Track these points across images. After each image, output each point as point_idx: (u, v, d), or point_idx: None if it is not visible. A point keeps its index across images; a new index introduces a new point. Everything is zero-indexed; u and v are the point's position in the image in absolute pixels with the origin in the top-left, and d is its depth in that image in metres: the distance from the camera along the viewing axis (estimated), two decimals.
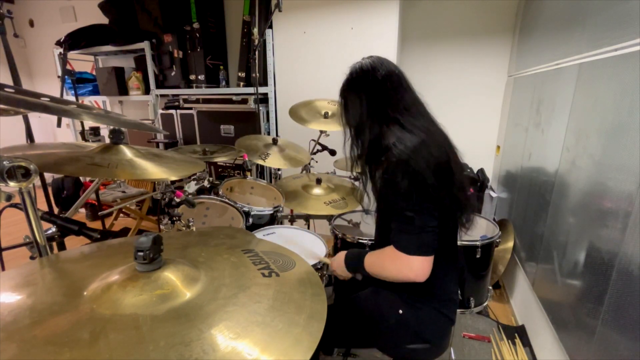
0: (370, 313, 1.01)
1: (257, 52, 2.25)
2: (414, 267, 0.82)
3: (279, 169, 2.53)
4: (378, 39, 2.29)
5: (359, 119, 0.95)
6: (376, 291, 1.04)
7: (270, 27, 2.57)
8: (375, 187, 0.98)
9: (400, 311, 0.96)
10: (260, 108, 2.63)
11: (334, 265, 1.09)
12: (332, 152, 2.07)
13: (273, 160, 1.75)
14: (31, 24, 4.40)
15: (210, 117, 2.96)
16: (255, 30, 2.23)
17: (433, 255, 0.84)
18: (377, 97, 0.92)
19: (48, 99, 0.83)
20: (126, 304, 0.52)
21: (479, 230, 1.70)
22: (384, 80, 0.92)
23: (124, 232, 3.01)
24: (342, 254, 1.05)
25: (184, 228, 1.15)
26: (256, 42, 2.23)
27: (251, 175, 1.84)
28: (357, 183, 2.01)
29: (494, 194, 2.51)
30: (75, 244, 2.47)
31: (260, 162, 1.71)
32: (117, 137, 1.01)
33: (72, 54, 3.47)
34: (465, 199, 0.92)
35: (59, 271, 0.65)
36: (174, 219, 1.17)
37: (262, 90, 2.67)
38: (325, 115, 1.91)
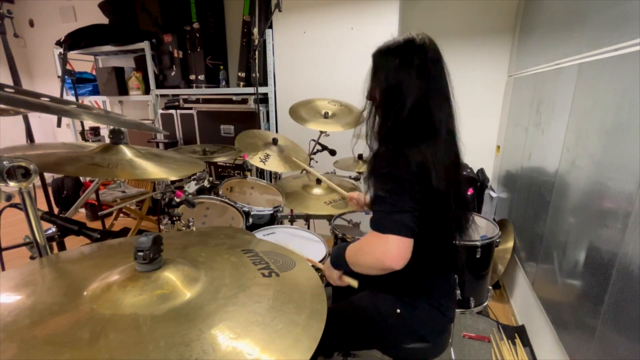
0: (367, 314, 1.01)
1: (257, 52, 2.25)
2: (389, 248, 0.76)
3: None
4: (378, 39, 2.29)
5: (393, 104, 0.86)
6: (373, 292, 1.04)
7: (270, 27, 2.57)
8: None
9: (398, 310, 0.96)
10: (260, 108, 2.63)
11: (325, 270, 1.05)
12: (332, 152, 2.07)
13: (272, 164, 1.72)
14: (31, 24, 4.40)
15: (210, 117, 2.96)
16: (255, 30, 2.23)
17: (411, 238, 0.78)
18: (418, 97, 0.85)
19: (48, 99, 0.83)
20: (126, 304, 0.52)
21: (479, 230, 1.70)
22: (434, 83, 0.86)
23: (124, 232, 3.01)
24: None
25: (184, 228, 1.15)
26: (256, 42, 2.23)
27: (251, 175, 1.84)
28: (357, 183, 2.01)
29: (494, 194, 2.51)
30: (75, 244, 2.47)
31: (260, 165, 1.67)
32: (117, 137, 1.01)
33: (72, 54, 3.47)
34: (462, 227, 0.94)
35: (59, 271, 0.65)
36: (174, 219, 1.17)
37: (262, 90, 2.67)
38: (325, 115, 1.91)
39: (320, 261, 1.26)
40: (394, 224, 0.77)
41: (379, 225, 0.79)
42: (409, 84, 0.84)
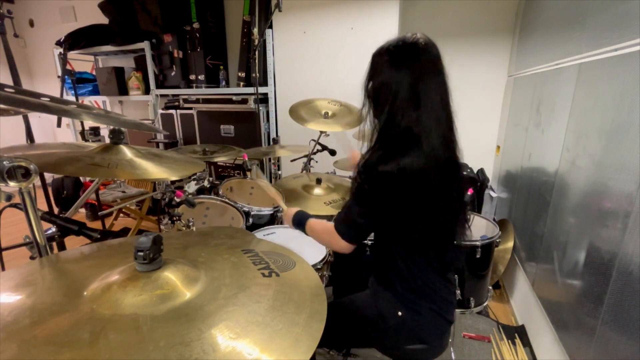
0: (369, 314, 1.01)
1: (257, 52, 2.25)
2: (342, 246, 0.95)
3: (279, 169, 2.54)
4: (378, 39, 2.29)
5: (385, 104, 0.87)
6: (375, 293, 1.04)
7: (270, 27, 2.57)
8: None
9: (400, 313, 0.96)
10: (260, 108, 2.63)
11: (287, 214, 1.17)
12: (332, 152, 2.07)
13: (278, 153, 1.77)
14: (31, 24, 4.40)
15: (210, 117, 2.96)
16: (255, 30, 2.23)
17: (356, 245, 0.95)
18: (411, 96, 0.84)
19: (48, 99, 0.83)
20: (126, 304, 0.52)
21: (479, 230, 1.70)
22: (429, 82, 0.85)
23: (124, 232, 3.01)
24: (294, 209, 1.15)
25: (184, 228, 1.15)
26: (256, 42, 2.23)
27: (251, 176, 1.84)
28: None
29: (494, 194, 2.51)
30: (75, 244, 2.47)
31: (266, 156, 1.71)
32: (117, 137, 1.01)
33: (72, 54, 3.47)
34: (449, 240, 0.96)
35: (59, 271, 0.65)
36: (174, 219, 1.17)
37: (262, 90, 2.67)
38: (325, 115, 1.91)
39: (321, 261, 1.26)
40: (352, 236, 0.94)
41: (342, 233, 0.94)
42: (396, 81, 0.85)
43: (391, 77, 0.86)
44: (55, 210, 2.96)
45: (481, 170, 2.64)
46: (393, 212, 0.87)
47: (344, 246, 0.95)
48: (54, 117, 1.76)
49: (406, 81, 0.84)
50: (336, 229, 0.94)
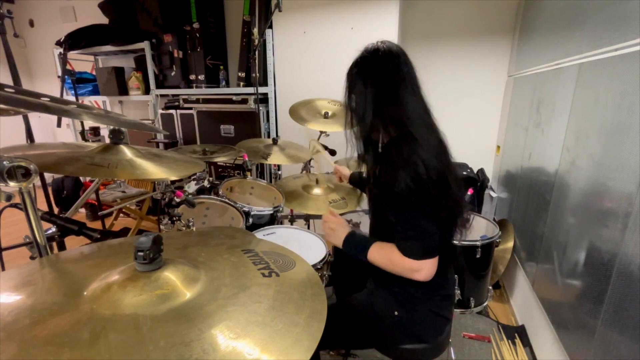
0: (366, 314, 1.01)
1: (257, 52, 2.25)
2: (423, 271, 0.86)
3: (279, 169, 2.54)
4: (378, 39, 2.29)
5: (362, 110, 0.93)
6: (372, 292, 1.04)
7: (270, 27, 2.57)
8: (369, 183, 0.98)
9: (396, 312, 0.96)
10: (260, 108, 2.63)
11: (331, 225, 1.05)
12: (332, 152, 2.06)
13: (275, 158, 1.77)
14: (31, 24, 4.40)
15: (210, 117, 2.96)
16: (255, 30, 2.22)
17: (437, 255, 0.87)
18: (383, 97, 0.90)
19: (48, 99, 0.83)
20: (126, 304, 0.52)
21: (479, 230, 1.70)
22: (392, 80, 0.89)
23: (124, 232, 3.01)
24: (344, 229, 1.03)
25: (184, 228, 1.15)
26: (256, 42, 2.22)
27: (251, 175, 1.84)
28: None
29: (494, 194, 2.51)
30: (75, 244, 2.47)
31: (262, 161, 1.72)
32: (117, 137, 1.01)
33: (72, 54, 3.46)
34: (460, 210, 0.94)
35: (59, 271, 0.65)
36: (174, 219, 1.17)
37: (262, 90, 2.67)
38: (325, 115, 1.91)
39: (321, 261, 1.26)
40: (425, 251, 0.86)
41: (411, 253, 0.86)
42: (369, 86, 0.91)
43: (364, 84, 0.92)
44: (55, 210, 2.96)
45: (481, 170, 2.64)
46: (432, 199, 0.84)
47: (425, 269, 0.85)
48: (54, 117, 1.76)
49: (377, 82, 0.90)
50: (405, 254, 0.86)
